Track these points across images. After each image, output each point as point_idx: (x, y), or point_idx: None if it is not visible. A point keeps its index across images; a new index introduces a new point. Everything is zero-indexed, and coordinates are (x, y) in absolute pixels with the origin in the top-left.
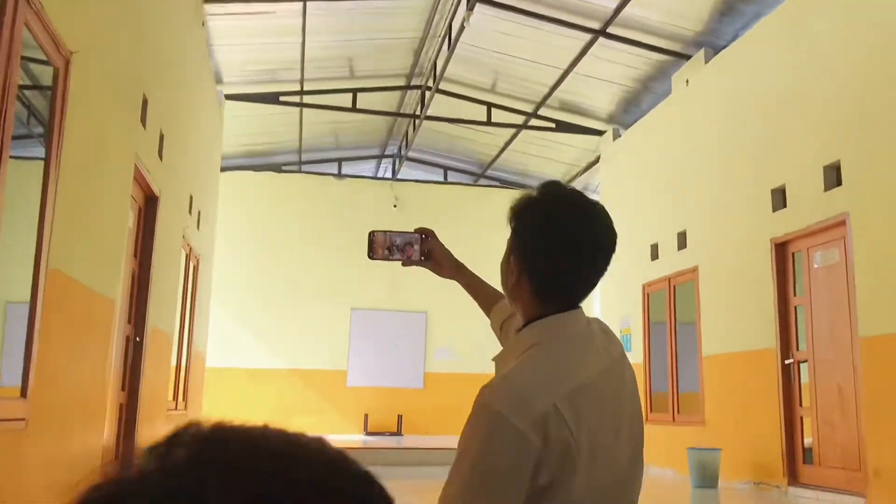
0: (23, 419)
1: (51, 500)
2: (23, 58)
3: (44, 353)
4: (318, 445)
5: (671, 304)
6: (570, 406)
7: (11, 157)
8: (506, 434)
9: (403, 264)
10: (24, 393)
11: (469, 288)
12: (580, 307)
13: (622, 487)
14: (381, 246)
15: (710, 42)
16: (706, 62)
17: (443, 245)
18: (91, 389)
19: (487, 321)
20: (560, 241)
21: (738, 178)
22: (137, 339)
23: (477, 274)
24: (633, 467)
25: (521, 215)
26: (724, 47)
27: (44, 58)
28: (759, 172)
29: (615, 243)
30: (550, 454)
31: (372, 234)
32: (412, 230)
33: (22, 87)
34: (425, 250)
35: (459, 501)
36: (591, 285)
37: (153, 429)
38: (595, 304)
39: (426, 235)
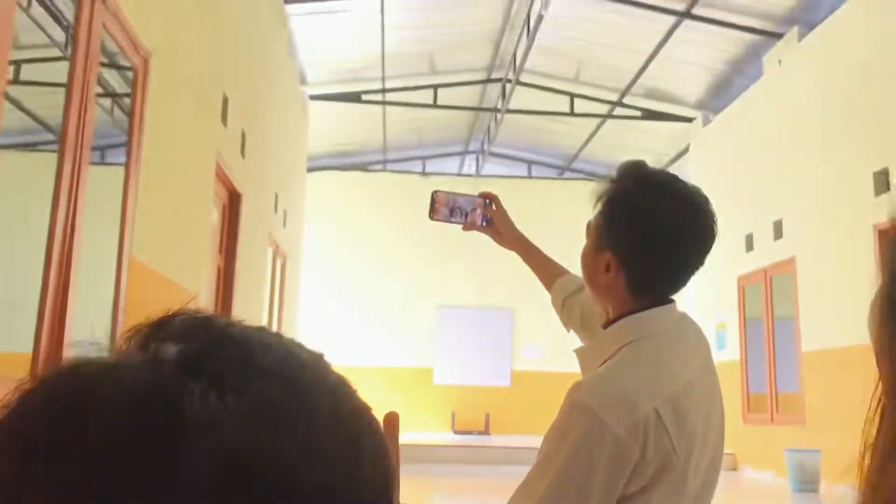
0: None
1: None
2: (102, 64)
3: None
4: (321, 368)
5: (768, 298)
6: (673, 411)
7: (109, 163)
8: (603, 438)
9: (464, 228)
10: None
11: (529, 260)
12: (674, 300)
13: (704, 491)
14: (444, 205)
15: (804, 19)
16: (800, 40)
17: (505, 212)
18: None
19: None
20: (661, 231)
21: (836, 161)
22: None
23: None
24: (711, 472)
25: (614, 204)
26: (818, 24)
27: (123, 61)
28: (860, 155)
29: (716, 229)
30: (648, 464)
31: (434, 194)
32: (475, 194)
33: (108, 95)
34: (487, 216)
35: None
36: (691, 277)
37: None
38: (688, 299)
39: (490, 200)
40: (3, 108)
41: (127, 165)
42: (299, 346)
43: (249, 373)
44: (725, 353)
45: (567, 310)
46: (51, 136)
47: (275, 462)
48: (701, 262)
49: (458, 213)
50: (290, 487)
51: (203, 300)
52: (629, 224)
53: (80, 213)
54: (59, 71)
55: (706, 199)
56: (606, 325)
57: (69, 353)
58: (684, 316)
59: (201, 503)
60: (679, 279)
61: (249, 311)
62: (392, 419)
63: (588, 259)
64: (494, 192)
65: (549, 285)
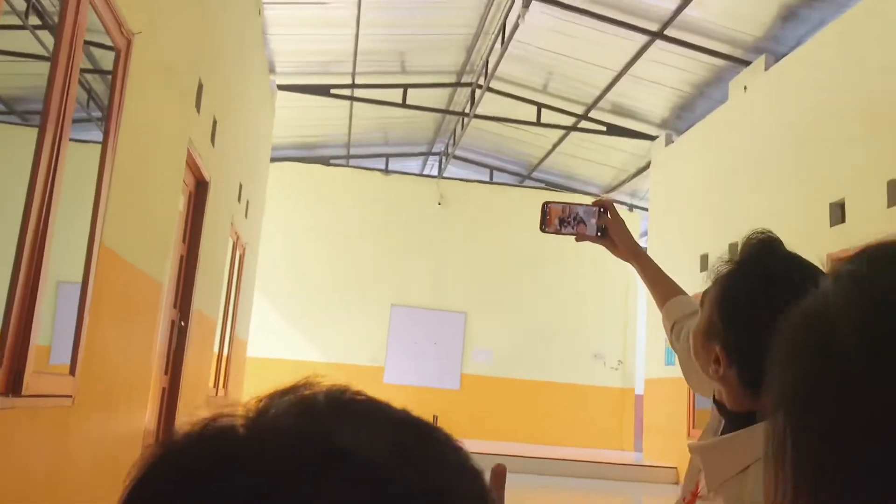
0: (70, 396)
1: (95, 476)
2: (86, 42)
3: (93, 332)
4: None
5: None
6: None
7: (72, 139)
8: None
9: (577, 239)
10: (72, 370)
11: (644, 275)
12: None
13: None
14: (556, 216)
15: (771, 48)
16: (766, 69)
17: (622, 222)
18: (137, 371)
19: (527, 324)
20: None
21: (794, 189)
22: (182, 323)
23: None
24: None
25: (732, 302)
26: (786, 54)
27: (104, 40)
28: (818, 185)
29: None
30: None
31: (546, 205)
32: (590, 203)
33: (84, 71)
34: (602, 225)
35: None
36: None
37: (194, 413)
38: (640, 310)
39: (604, 209)
40: None
41: (103, 149)
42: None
43: (382, 419)
44: (673, 368)
45: (675, 333)
46: (31, 108)
47: (421, 499)
48: None
49: (570, 223)
50: None
51: (165, 289)
52: (750, 334)
53: (57, 191)
54: (33, 44)
55: None
56: (723, 412)
57: (37, 330)
58: None
59: None
60: None
61: (208, 300)
62: (500, 473)
63: (698, 340)
64: (456, 194)
65: (661, 303)
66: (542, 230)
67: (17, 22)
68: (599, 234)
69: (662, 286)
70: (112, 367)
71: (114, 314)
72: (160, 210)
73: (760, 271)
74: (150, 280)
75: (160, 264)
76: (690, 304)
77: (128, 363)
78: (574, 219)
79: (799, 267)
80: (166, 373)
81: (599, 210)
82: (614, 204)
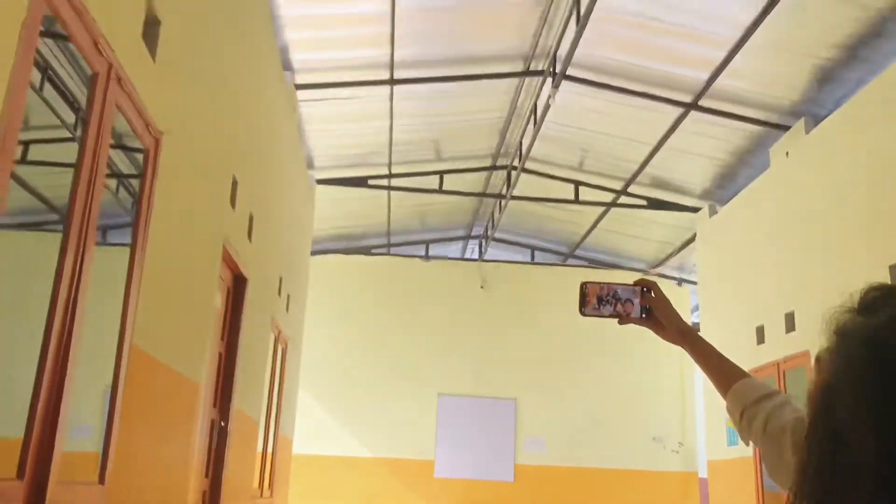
0: None
1: None
2: (112, 146)
3: (125, 437)
4: None
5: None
6: None
7: (107, 243)
8: None
9: (620, 322)
10: (101, 479)
11: (697, 358)
12: None
13: None
14: (594, 296)
15: (810, 111)
16: (807, 132)
17: (668, 301)
18: (173, 475)
19: (581, 408)
20: None
21: (848, 253)
22: (222, 423)
23: (707, 342)
24: None
25: (857, 370)
26: (825, 116)
27: (133, 142)
28: (874, 247)
29: None
30: None
31: (584, 286)
32: (631, 283)
33: (113, 176)
34: (646, 306)
35: None
36: None
37: None
38: (698, 394)
39: (648, 288)
40: (7, 188)
41: (132, 249)
42: None
43: None
44: (737, 449)
45: (747, 420)
46: (55, 217)
47: None
48: None
49: (610, 303)
50: None
51: (203, 388)
52: (883, 414)
53: (82, 295)
54: (67, 151)
55: None
56: None
57: (62, 439)
58: None
59: None
60: None
61: (250, 398)
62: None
63: (816, 447)
64: (498, 276)
65: (723, 389)
66: (582, 313)
67: (67, 134)
68: (644, 315)
69: (720, 369)
70: (146, 473)
71: (147, 417)
72: (195, 308)
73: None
74: (185, 380)
75: (196, 363)
76: (759, 386)
77: (163, 467)
78: (614, 298)
79: None
80: (206, 475)
81: (642, 289)
82: (658, 283)
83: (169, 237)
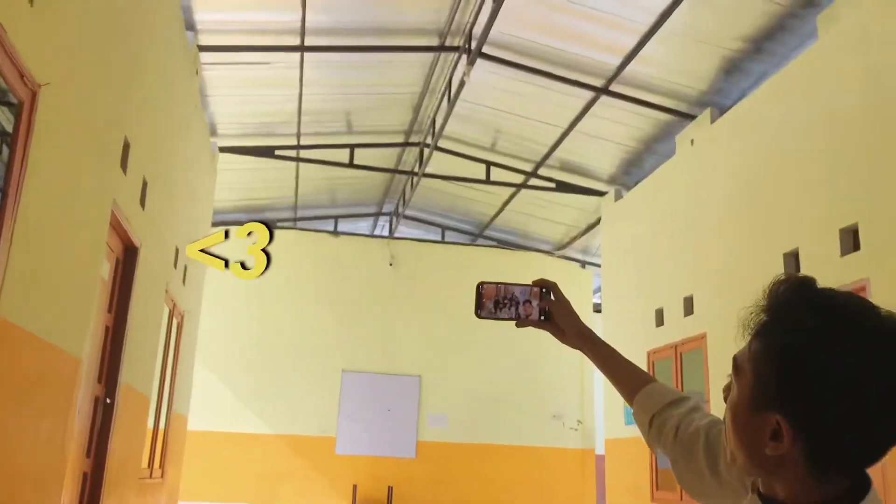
0: None
1: None
2: None
3: None
4: None
5: (678, 374)
6: None
7: None
8: None
9: (517, 325)
10: None
11: (600, 362)
12: (870, 478)
13: None
14: (490, 298)
15: (716, 102)
16: (712, 122)
17: (568, 304)
18: (47, 456)
19: (484, 386)
20: (875, 400)
21: (747, 240)
22: (108, 400)
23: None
24: None
25: (790, 354)
26: (730, 107)
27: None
28: (770, 235)
29: None
30: None
31: (480, 287)
32: (529, 283)
33: None
34: (545, 308)
35: None
36: None
37: (121, 499)
38: (596, 375)
39: (546, 289)
40: None
41: (1, 212)
42: None
43: None
44: (633, 428)
45: (657, 428)
46: None
47: None
48: None
49: (507, 305)
50: None
51: (85, 363)
52: (825, 393)
53: None
54: None
55: None
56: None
57: None
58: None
59: None
60: (887, 448)
61: (140, 374)
62: (548, 284)
63: (740, 417)
64: (407, 254)
65: (628, 395)
66: (478, 315)
67: None
68: (543, 317)
69: (625, 373)
70: (15, 454)
71: (16, 394)
72: (78, 278)
73: (815, 312)
74: (63, 354)
75: (77, 337)
76: (667, 392)
77: (36, 448)
78: (512, 300)
79: (856, 302)
80: (88, 455)
81: (541, 290)
82: (557, 284)
83: (47, 200)
